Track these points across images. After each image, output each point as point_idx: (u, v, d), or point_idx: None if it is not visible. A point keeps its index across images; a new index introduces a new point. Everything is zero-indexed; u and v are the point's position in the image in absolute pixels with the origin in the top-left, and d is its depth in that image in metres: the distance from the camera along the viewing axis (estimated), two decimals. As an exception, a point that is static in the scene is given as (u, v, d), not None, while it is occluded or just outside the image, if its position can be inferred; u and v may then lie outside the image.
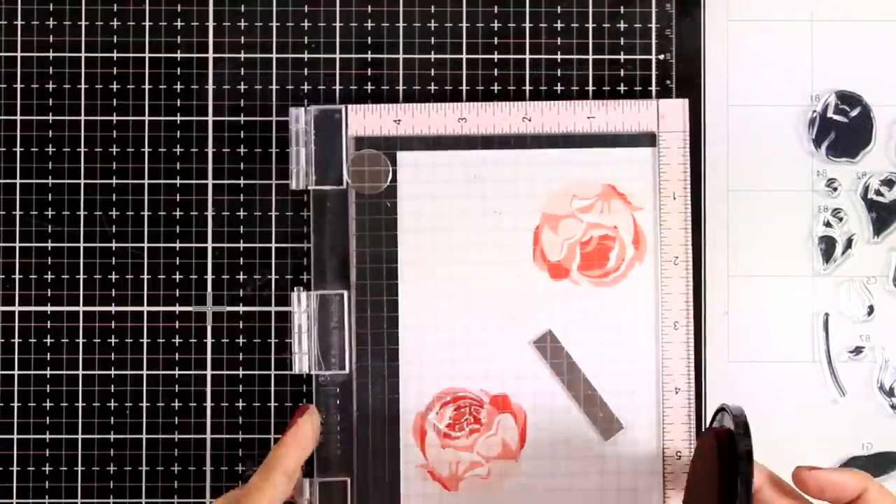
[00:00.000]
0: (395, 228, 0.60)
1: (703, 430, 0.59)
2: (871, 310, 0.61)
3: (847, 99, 0.61)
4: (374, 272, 0.60)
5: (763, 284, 0.61)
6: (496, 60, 0.62)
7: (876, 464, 0.61)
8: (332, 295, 0.60)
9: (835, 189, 0.61)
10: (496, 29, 0.62)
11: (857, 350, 0.61)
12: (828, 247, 0.61)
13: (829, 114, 0.61)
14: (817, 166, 0.61)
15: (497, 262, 0.60)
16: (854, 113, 0.61)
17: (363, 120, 0.60)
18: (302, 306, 0.60)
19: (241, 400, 0.61)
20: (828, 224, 0.61)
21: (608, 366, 0.60)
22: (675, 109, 0.60)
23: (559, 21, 0.62)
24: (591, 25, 0.62)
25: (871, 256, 0.61)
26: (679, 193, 0.60)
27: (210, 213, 0.61)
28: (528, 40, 0.62)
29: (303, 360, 0.60)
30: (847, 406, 0.61)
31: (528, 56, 0.61)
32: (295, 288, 0.60)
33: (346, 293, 0.60)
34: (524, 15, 0.62)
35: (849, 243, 0.61)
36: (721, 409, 0.54)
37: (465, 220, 0.60)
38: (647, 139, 0.60)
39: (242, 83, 0.62)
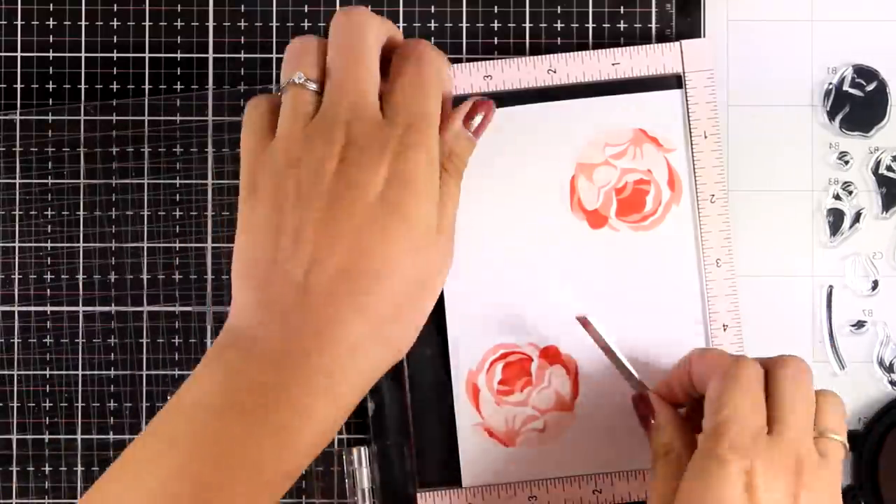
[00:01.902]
0: None
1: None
2: (875, 285, 0.61)
3: (864, 73, 0.61)
4: None
5: (768, 255, 0.61)
6: (496, 60, 0.62)
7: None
8: None
9: (846, 162, 0.61)
10: (496, 29, 0.62)
11: (859, 324, 0.61)
12: (836, 219, 0.61)
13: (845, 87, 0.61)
14: (830, 139, 0.61)
15: (535, 215, 0.60)
16: (870, 87, 0.61)
17: None
18: None
19: (240, 400, 0.61)
20: (837, 197, 0.61)
21: (653, 308, 0.60)
22: (700, 49, 0.60)
23: (559, 21, 0.62)
24: (591, 25, 0.62)
25: (878, 232, 0.61)
26: (710, 132, 0.60)
27: (210, 213, 0.61)
28: (528, 40, 0.62)
29: None
30: (846, 380, 0.61)
31: (528, 56, 0.61)
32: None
33: None
34: (524, 15, 0.62)
35: (857, 217, 0.61)
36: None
37: (499, 177, 0.60)
38: (674, 81, 0.60)
39: (242, 83, 0.62)
